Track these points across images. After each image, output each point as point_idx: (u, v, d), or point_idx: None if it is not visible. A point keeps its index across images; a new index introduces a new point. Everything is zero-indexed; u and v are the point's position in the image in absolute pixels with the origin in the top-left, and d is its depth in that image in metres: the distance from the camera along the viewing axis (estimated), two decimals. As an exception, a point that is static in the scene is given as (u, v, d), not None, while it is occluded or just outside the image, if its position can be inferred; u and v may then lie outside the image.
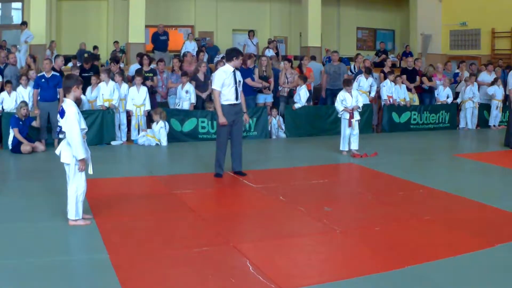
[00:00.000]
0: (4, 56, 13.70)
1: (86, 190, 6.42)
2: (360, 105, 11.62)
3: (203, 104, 13.97)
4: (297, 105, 14.17)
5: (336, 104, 11.62)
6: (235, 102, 9.14)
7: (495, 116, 16.89)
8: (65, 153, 6.29)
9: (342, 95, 11.48)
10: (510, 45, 21.95)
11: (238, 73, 9.24)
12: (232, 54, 9.23)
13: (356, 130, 11.31)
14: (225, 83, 9.02)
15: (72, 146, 6.18)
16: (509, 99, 12.76)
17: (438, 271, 5.02)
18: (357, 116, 11.43)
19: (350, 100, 11.38)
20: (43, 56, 16.89)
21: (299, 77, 14.36)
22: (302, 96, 14.11)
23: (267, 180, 9.05)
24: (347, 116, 11.32)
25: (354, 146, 11.32)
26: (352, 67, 16.97)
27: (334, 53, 16.32)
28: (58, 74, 12.27)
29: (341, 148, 11.46)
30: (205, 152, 12.08)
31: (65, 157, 6.29)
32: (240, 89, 9.23)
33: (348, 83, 11.70)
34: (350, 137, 11.34)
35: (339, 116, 11.63)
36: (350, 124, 11.29)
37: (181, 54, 16.87)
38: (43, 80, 12.00)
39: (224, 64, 10.18)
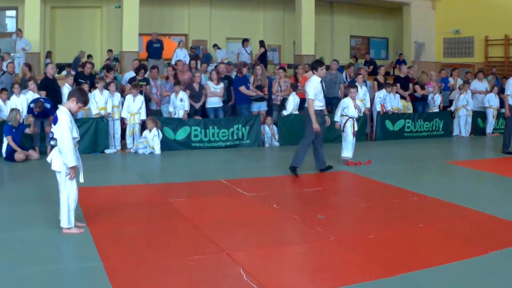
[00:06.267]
0: (-1, 63, 13.75)
1: (78, 198, 6.39)
2: (362, 109, 11.63)
3: (196, 113, 13.98)
4: (285, 112, 14.19)
5: (336, 112, 11.51)
6: (323, 108, 10.27)
7: (491, 123, 16.99)
8: (56, 160, 6.26)
9: (345, 102, 11.33)
10: (504, 52, 22.06)
11: (323, 83, 10.30)
12: (313, 66, 10.37)
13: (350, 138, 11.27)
14: (318, 91, 10.02)
15: (62, 154, 6.16)
16: (505, 106, 12.81)
17: (432, 279, 5.02)
18: (356, 126, 11.35)
19: (353, 109, 11.22)
20: (38, 64, 16.94)
21: (290, 85, 14.38)
22: (290, 103, 14.12)
23: (260, 188, 9.05)
24: (349, 123, 11.17)
25: (349, 153, 11.29)
26: (344, 75, 16.99)
27: (334, 61, 16.34)
28: (50, 104, 12.22)
29: (347, 155, 11.29)
30: (198, 160, 12.10)
31: (56, 165, 6.26)
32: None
33: (354, 86, 11.66)
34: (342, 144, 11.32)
35: (337, 121, 11.40)
36: (354, 134, 11.24)
37: (173, 62, 16.86)
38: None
39: None
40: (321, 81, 10.06)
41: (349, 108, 11.21)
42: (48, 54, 18.86)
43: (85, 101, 6.47)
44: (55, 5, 20.57)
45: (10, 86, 12.75)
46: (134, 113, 12.98)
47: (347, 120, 11.19)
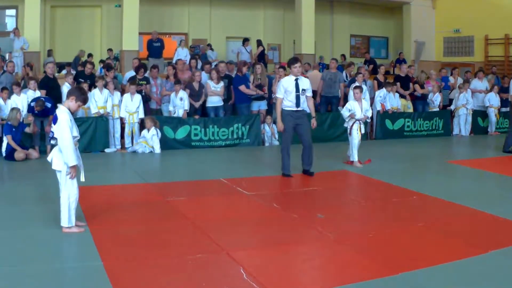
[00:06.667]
0: (-1, 62, 13.78)
1: (79, 197, 6.40)
2: (369, 115, 11.39)
3: (195, 112, 13.98)
4: None
5: (342, 112, 11.29)
6: (295, 108, 9.68)
7: (494, 122, 17.01)
8: (56, 160, 6.26)
9: (351, 104, 11.10)
10: (504, 51, 22.05)
11: (302, 82, 9.76)
12: (289, 62, 9.95)
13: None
14: (287, 90, 9.65)
15: (63, 153, 6.16)
16: (510, 105, 12.82)
17: (432, 278, 5.01)
18: (362, 129, 11.11)
19: (359, 111, 10.99)
20: (38, 63, 16.92)
21: None
22: None
23: (260, 187, 9.06)
24: (356, 126, 10.95)
25: (355, 157, 11.08)
26: (344, 74, 16.99)
27: (333, 60, 16.33)
28: (50, 103, 12.19)
29: (355, 159, 11.01)
30: (198, 159, 12.09)
31: (56, 164, 6.26)
32: (304, 96, 9.75)
33: (358, 87, 11.39)
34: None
35: (346, 125, 11.24)
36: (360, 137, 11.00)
37: (174, 61, 16.87)
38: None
39: None
40: (295, 80, 9.66)
41: (356, 111, 10.97)
42: (50, 53, 18.89)
43: (84, 100, 6.47)
44: (55, 4, 20.57)
45: (10, 85, 12.75)
46: (132, 112, 12.98)
47: (353, 123, 10.97)
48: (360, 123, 11.06)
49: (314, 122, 10.03)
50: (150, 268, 5.19)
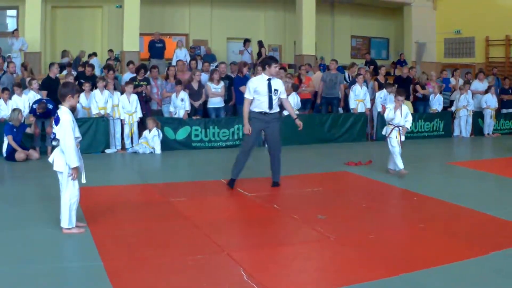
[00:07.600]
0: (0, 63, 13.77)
1: (80, 198, 6.39)
2: (409, 126, 10.31)
3: (196, 112, 13.97)
4: (285, 112, 14.12)
5: (386, 114, 10.22)
6: (267, 111, 8.82)
7: (489, 124, 17.00)
8: (58, 161, 6.25)
9: (391, 111, 10.16)
10: (504, 53, 22.06)
11: (275, 82, 8.86)
12: (265, 62, 8.97)
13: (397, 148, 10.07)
14: (257, 91, 8.77)
15: (65, 154, 6.15)
16: None
17: (432, 279, 5.01)
18: (402, 137, 10.14)
19: (399, 117, 10.07)
20: (38, 64, 16.91)
21: (292, 86, 14.33)
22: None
23: (261, 188, 9.05)
24: (395, 133, 10.04)
25: (399, 165, 10.07)
26: (346, 75, 17.00)
27: (332, 61, 16.32)
28: (52, 105, 12.15)
29: (401, 167, 10.00)
30: (198, 160, 12.10)
31: (58, 165, 6.25)
32: (276, 97, 8.83)
33: (402, 94, 10.32)
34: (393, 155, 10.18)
35: (384, 133, 10.37)
36: (400, 144, 10.02)
37: (173, 63, 16.87)
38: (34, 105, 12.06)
39: None
40: (268, 79, 8.76)
41: (396, 118, 10.10)
42: (64, 54, 18.97)
43: (77, 90, 6.59)
44: (56, 4, 20.56)
45: (11, 86, 12.76)
46: (131, 112, 13.00)
47: (392, 129, 10.18)
48: (399, 129, 10.14)
49: (299, 123, 9.00)
50: (150, 268, 5.19)
